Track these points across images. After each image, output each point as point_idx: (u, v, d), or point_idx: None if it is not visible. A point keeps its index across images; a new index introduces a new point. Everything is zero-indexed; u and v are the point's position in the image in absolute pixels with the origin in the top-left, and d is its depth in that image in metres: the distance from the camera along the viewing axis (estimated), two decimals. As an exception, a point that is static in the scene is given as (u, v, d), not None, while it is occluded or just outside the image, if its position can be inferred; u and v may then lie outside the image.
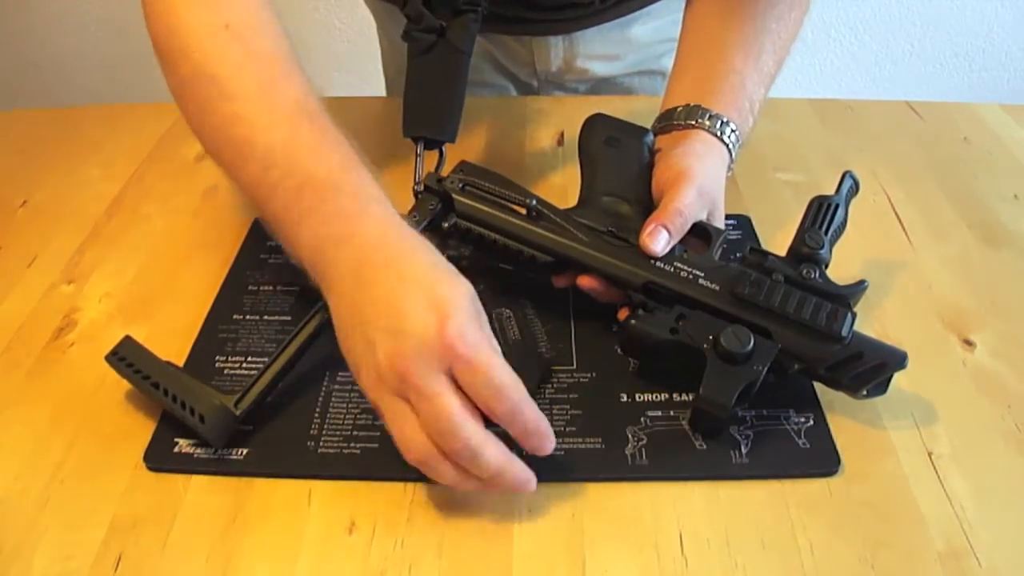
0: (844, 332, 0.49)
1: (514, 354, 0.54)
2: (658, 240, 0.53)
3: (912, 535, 0.45)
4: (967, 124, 0.83)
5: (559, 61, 0.86)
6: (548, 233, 0.55)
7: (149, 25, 0.55)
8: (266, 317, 0.59)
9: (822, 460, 0.49)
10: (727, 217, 0.61)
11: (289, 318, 0.59)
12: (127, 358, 0.52)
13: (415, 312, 0.42)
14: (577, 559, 0.44)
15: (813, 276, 0.52)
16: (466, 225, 0.57)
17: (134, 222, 0.70)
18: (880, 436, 0.51)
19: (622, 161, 0.60)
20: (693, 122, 0.59)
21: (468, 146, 0.78)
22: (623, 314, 0.54)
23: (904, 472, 0.48)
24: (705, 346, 0.49)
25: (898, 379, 0.54)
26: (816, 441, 0.50)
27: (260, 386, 0.51)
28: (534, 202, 0.56)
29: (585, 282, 0.55)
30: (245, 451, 0.50)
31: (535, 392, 0.51)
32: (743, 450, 0.49)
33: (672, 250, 0.54)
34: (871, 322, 0.58)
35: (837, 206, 0.55)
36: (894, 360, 0.49)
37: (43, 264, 0.66)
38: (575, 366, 0.55)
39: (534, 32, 0.83)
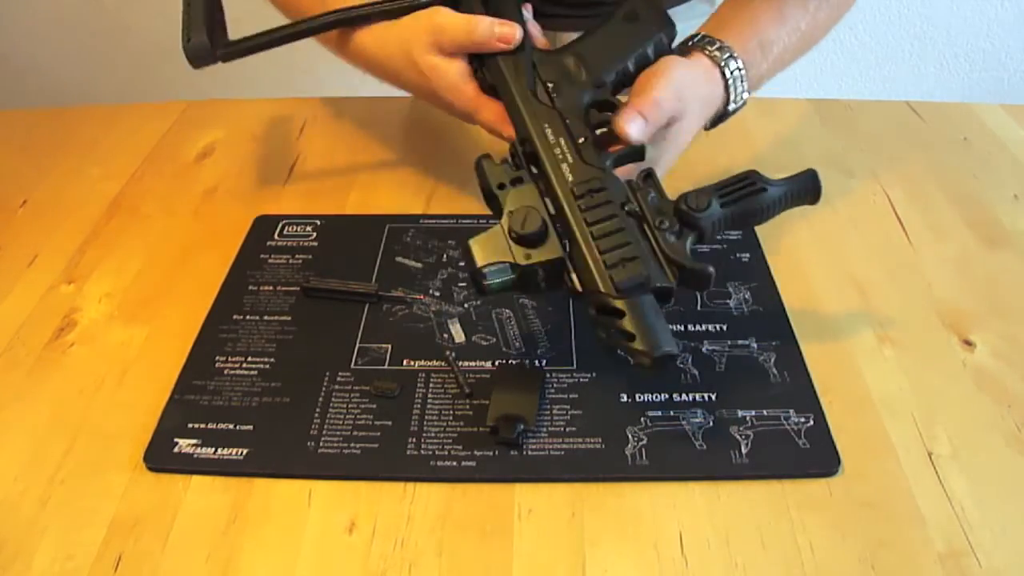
0: (623, 287, 0.47)
1: (513, 370, 0.54)
2: (632, 124, 0.53)
3: (912, 535, 0.45)
4: (967, 124, 0.83)
5: None
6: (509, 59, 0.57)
7: None
8: (266, 317, 0.59)
9: (822, 460, 0.49)
10: None
11: (289, 318, 0.59)
12: None
13: None
14: (577, 559, 0.44)
15: (664, 227, 0.49)
16: None
17: (134, 222, 0.70)
18: (880, 436, 0.51)
19: (622, 39, 0.59)
20: (691, 44, 0.61)
21: (468, 146, 0.78)
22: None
23: (904, 472, 0.48)
24: (505, 215, 0.50)
25: (898, 379, 0.54)
26: (816, 441, 0.50)
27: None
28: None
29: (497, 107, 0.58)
30: (245, 451, 0.50)
31: (536, 407, 0.51)
32: (743, 450, 0.49)
33: (574, 129, 0.54)
34: (872, 322, 0.58)
35: (764, 190, 0.51)
36: (651, 344, 0.46)
37: (43, 264, 0.66)
38: (575, 366, 0.55)
39: (558, 27, 0.83)
